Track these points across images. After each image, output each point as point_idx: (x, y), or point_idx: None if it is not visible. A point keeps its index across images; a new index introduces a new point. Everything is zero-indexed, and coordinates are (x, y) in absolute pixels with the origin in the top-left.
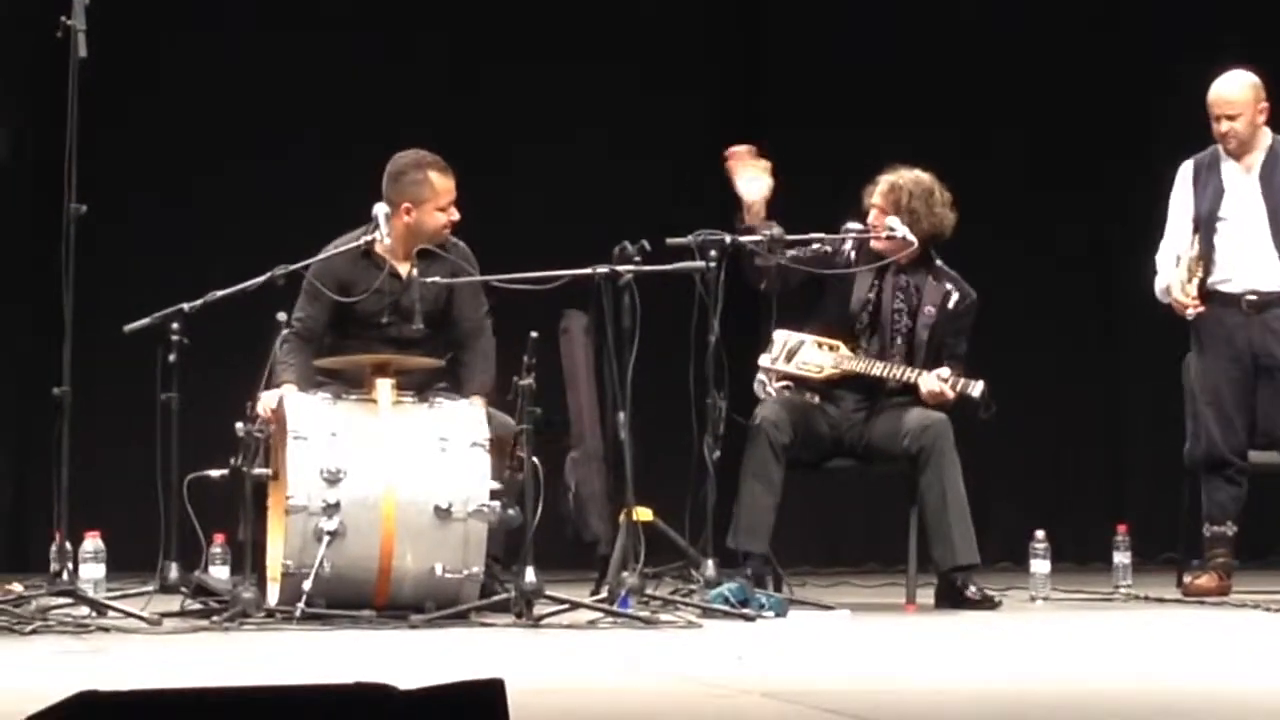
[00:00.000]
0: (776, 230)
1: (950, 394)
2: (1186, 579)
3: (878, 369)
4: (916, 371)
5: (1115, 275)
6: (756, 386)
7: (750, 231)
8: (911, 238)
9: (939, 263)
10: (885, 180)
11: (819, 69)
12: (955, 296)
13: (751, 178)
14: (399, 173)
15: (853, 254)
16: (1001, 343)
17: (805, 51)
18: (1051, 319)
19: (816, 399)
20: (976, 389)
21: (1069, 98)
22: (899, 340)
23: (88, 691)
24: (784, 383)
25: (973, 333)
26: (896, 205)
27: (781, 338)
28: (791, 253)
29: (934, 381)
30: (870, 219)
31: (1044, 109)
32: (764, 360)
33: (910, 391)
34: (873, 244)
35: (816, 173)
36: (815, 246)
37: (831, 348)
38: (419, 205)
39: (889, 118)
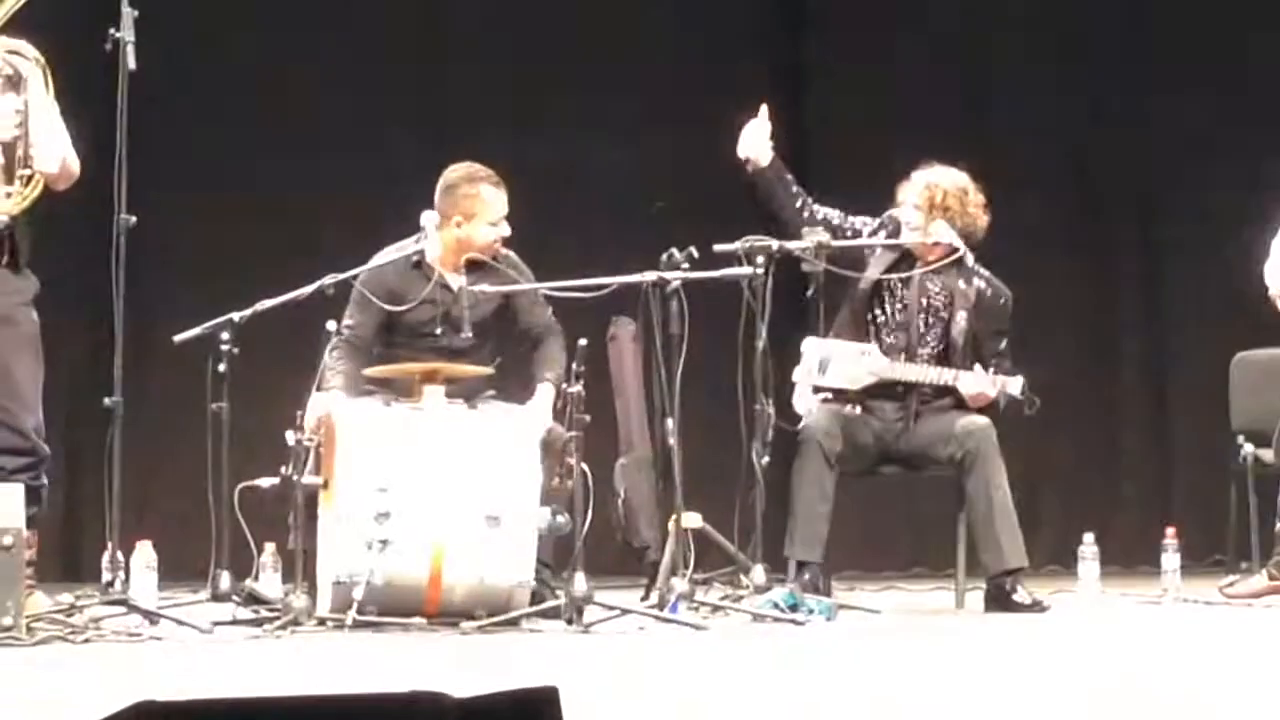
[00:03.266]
0: (823, 236)
1: (991, 392)
2: (1226, 581)
3: (914, 374)
4: (954, 374)
5: (1163, 276)
6: (796, 402)
7: (760, 174)
8: (959, 243)
9: (970, 262)
10: (921, 178)
11: (866, 74)
12: (989, 296)
13: (749, 139)
14: (452, 186)
15: (878, 247)
16: (1047, 345)
17: (851, 57)
18: (1098, 321)
19: (858, 409)
20: (1016, 385)
21: (1115, 88)
22: (930, 341)
23: (146, 701)
24: (823, 395)
25: (1011, 330)
26: (932, 203)
27: (812, 348)
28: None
29: (974, 382)
30: (903, 215)
31: (1089, 98)
32: (798, 375)
33: (949, 393)
34: (911, 246)
35: (861, 176)
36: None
37: (863, 353)
38: (470, 219)
39: (933, 122)
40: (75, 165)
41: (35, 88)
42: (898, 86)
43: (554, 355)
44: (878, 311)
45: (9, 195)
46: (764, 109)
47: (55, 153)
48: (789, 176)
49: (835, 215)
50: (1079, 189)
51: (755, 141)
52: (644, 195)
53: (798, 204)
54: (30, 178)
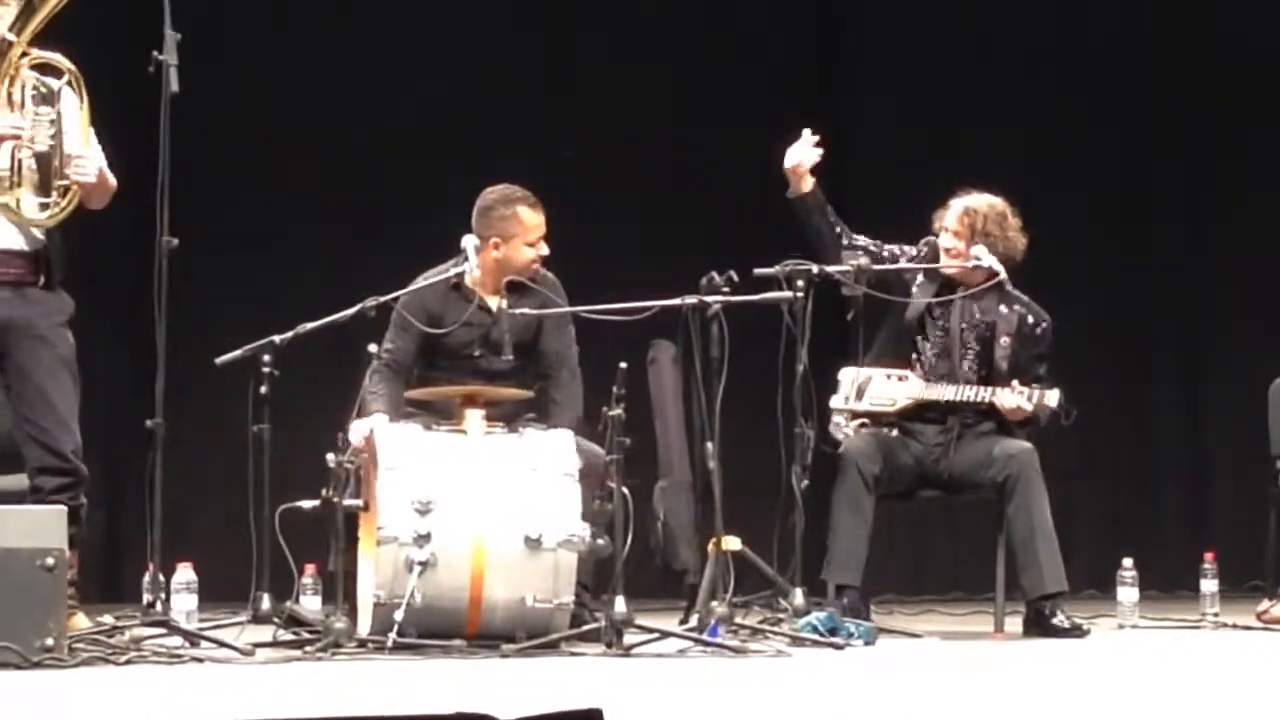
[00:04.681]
0: (863, 261)
1: (1029, 406)
2: (1262, 607)
3: (950, 394)
4: (990, 390)
5: (1201, 299)
6: (832, 429)
7: (799, 199)
8: (999, 268)
9: (1009, 288)
10: (959, 204)
11: (897, 93)
12: (1030, 322)
13: (796, 149)
14: (488, 208)
15: (919, 274)
16: (1086, 370)
17: (883, 74)
18: (1136, 344)
19: (895, 432)
20: (1053, 398)
21: (1155, 101)
22: (973, 366)
23: None
24: (859, 420)
25: (1051, 356)
26: (972, 229)
27: (849, 376)
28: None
29: (1011, 397)
30: (942, 243)
31: (1131, 113)
32: (835, 401)
33: (990, 415)
34: (948, 270)
35: (892, 198)
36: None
37: (900, 378)
38: (508, 240)
39: (965, 138)
40: (112, 180)
41: (69, 100)
42: (934, 116)
43: (566, 400)
44: (920, 338)
45: (45, 207)
46: (807, 133)
47: (92, 164)
48: (828, 205)
49: (872, 243)
50: (1119, 215)
51: (800, 156)
52: (683, 216)
53: (835, 230)
54: (66, 189)
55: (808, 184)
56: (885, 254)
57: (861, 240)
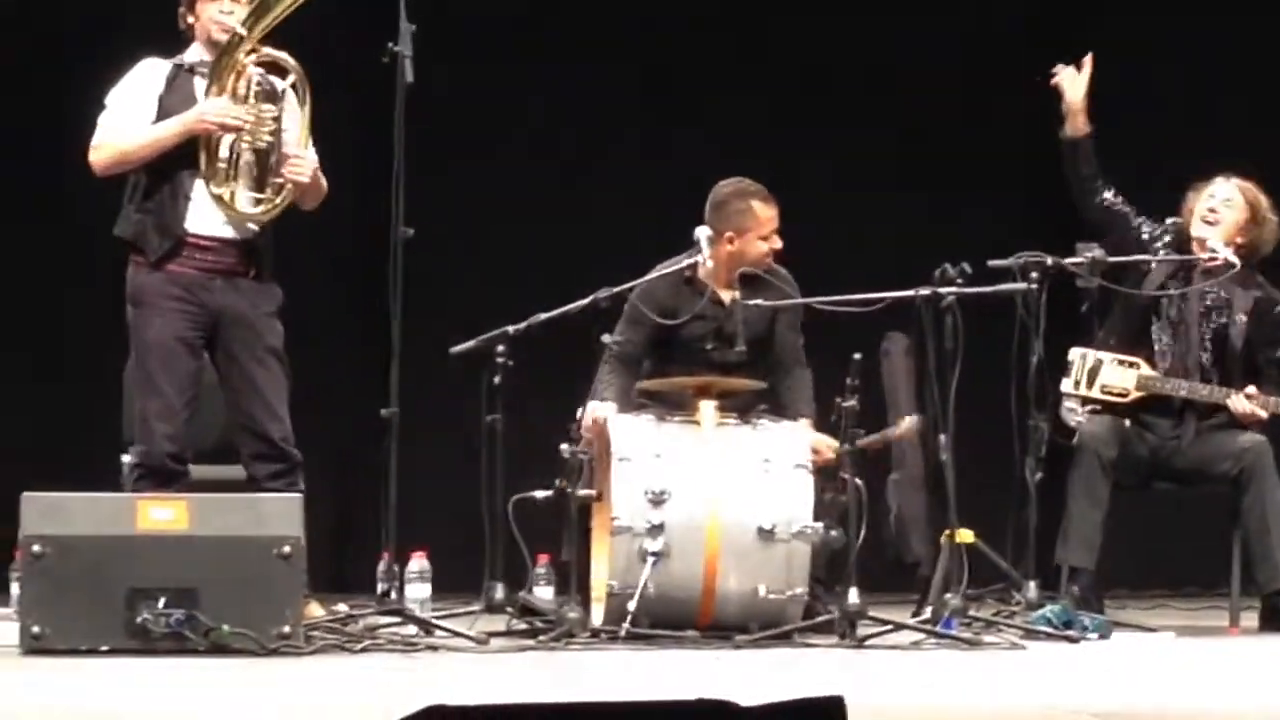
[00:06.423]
0: (1098, 252)
1: (1263, 414)
2: None
3: (1184, 389)
4: (1225, 391)
5: None
6: (1064, 413)
7: (1071, 143)
8: (1234, 259)
9: (1249, 272)
10: (1239, 183)
11: (1133, 92)
12: (1267, 302)
13: (1071, 80)
14: (722, 202)
15: (1160, 251)
16: None
17: (1121, 74)
18: None
19: (1128, 422)
20: None
21: None
22: (1207, 350)
23: (436, 706)
24: (1091, 407)
25: None
26: (1253, 209)
27: (1079, 357)
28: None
29: (1244, 402)
30: (1208, 217)
31: None
32: (1066, 385)
33: (1224, 409)
34: (1196, 253)
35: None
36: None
37: (1132, 364)
38: (742, 235)
39: (1207, 129)
40: (324, 183)
41: (291, 100)
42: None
43: (806, 391)
44: (1154, 320)
45: (259, 202)
46: (1088, 59)
47: (308, 165)
48: (1095, 159)
49: (1127, 210)
50: None
51: (1072, 88)
52: (916, 208)
53: (1095, 183)
54: (281, 187)
55: (1083, 124)
56: (1135, 227)
57: (1118, 206)
